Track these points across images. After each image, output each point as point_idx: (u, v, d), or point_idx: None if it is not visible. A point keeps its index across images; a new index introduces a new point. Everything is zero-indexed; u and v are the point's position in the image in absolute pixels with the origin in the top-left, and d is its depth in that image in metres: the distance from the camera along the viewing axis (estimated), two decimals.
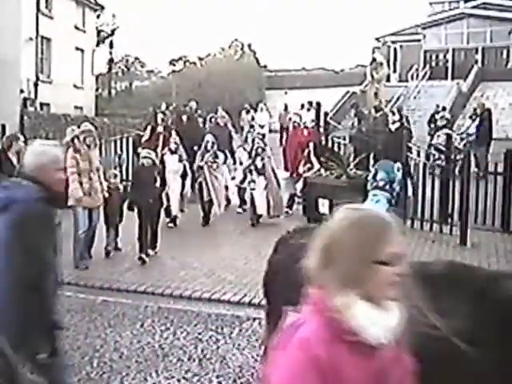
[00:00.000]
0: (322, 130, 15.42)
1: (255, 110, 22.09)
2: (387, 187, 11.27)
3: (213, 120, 16.55)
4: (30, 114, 20.91)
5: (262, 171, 11.97)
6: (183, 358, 5.91)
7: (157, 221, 9.71)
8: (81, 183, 8.82)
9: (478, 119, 18.25)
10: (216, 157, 12.12)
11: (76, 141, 8.99)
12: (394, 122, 13.23)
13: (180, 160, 11.58)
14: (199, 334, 6.53)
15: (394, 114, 14.08)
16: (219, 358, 5.92)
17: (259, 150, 12.09)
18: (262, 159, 12.04)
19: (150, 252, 9.43)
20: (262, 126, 20.63)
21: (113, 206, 9.65)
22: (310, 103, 21.01)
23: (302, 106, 22.53)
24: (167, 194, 11.29)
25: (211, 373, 5.60)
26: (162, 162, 11.24)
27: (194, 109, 19.43)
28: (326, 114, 17.76)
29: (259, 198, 11.89)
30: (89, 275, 8.65)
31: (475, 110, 19.25)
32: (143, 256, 9.17)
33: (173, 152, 11.55)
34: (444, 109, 21.17)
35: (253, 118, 21.22)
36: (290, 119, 18.36)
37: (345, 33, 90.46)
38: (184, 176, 11.78)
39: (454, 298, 2.81)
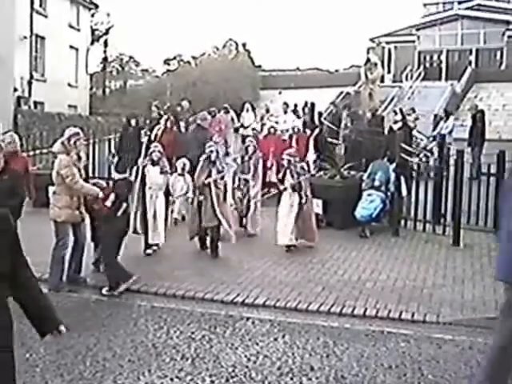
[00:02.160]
0: (317, 130, 15.48)
1: (235, 111, 21.55)
2: (382, 187, 11.31)
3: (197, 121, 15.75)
4: (23, 113, 20.87)
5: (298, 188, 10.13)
6: (176, 357, 5.92)
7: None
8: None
9: (449, 121, 18.37)
10: (222, 169, 9.98)
11: (67, 144, 8.03)
12: (396, 122, 13.30)
13: (161, 172, 9.72)
14: (192, 333, 6.54)
15: (396, 113, 14.14)
16: (212, 358, 5.93)
17: (298, 168, 10.23)
18: (297, 175, 10.14)
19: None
20: (246, 127, 19.99)
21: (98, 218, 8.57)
22: (287, 104, 20.27)
23: (297, 106, 22.19)
24: (145, 217, 9.63)
25: (204, 372, 5.61)
26: (143, 175, 9.62)
27: (186, 108, 19.33)
28: (320, 114, 17.81)
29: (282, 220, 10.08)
30: (82, 274, 8.63)
31: (446, 111, 19.31)
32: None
33: (155, 163, 9.67)
34: (414, 110, 21.05)
35: (232, 119, 20.66)
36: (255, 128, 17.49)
37: (339, 33, 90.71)
38: (167, 193, 10.05)
39: None
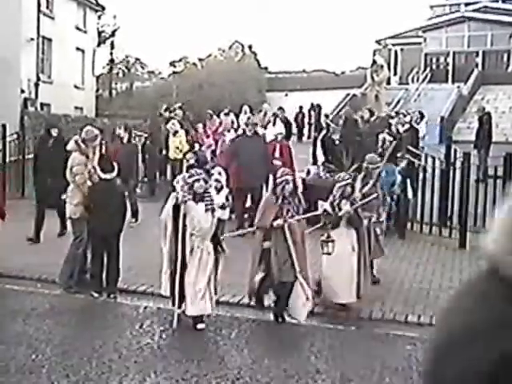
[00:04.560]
0: (324, 131, 15.40)
1: (235, 114, 20.82)
2: (388, 190, 11.28)
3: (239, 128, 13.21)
4: (30, 114, 20.89)
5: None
6: (182, 359, 5.92)
7: (116, 254, 8.00)
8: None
9: (421, 123, 18.06)
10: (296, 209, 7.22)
11: (81, 143, 8.20)
12: (403, 124, 13.32)
13: (207, 210, 6.80)
14: (198, 335, 6.53)
15: (404, 115, 14.16)
16: (218, 359, 5.92)
17: (346, 191, 7.53)
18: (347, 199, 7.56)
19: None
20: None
21: None
22: (276, 115, 18.35)
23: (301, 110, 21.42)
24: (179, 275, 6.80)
25: (210, 374, 5.60)
26: (179, 213, 6.78)
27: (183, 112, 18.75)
28: (327, 116, 17.78)
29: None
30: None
31: (420, 113, 19.03)
32: (95, 294, 7.90)
33: (198, 197, 6.80)
34: (397, 114, 20.30)
35: (232, 122, 19.97)
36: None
37: (346, 35, 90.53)
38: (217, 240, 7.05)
39: None
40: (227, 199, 9.57)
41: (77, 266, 8.16)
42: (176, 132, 14.43)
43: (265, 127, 16.63)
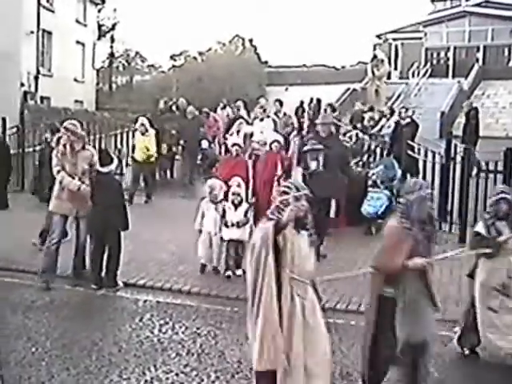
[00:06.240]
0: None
1: (231, 107, 19.99)
2: (380, 182, 11.29)
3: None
4: (30, 108, 20.88)
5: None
6: (182, 353, 5.93)
7: (117, 248, 7.98)
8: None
9: (392, 119, 17.88)
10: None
11: (61, 140, 8.15)
12: (405, 119, 13.41)
13: (311, 243, 4.62)
14: (198, 328, 6.54)
15: (406, 110, 14.27)
16: (218, 353, 5.93)
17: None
18: None
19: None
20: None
21: None
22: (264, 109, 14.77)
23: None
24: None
25: (209, 367, 5.61)
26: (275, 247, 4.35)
27: (184, 105, 18.33)
28: (326, 111, 17.74)
29: None
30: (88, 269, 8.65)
31: (391, 109, 18.93)
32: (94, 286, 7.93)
33: (300, 224, 4.48)
34: (372, 109, 19.49)
35: (227, 115, 19.28)
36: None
37: (346, 29, 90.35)
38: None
39: None
40: (246, 215, 8.39)
41: (55, 260, 8.07)
42: (146, 131, 13.72)
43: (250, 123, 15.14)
